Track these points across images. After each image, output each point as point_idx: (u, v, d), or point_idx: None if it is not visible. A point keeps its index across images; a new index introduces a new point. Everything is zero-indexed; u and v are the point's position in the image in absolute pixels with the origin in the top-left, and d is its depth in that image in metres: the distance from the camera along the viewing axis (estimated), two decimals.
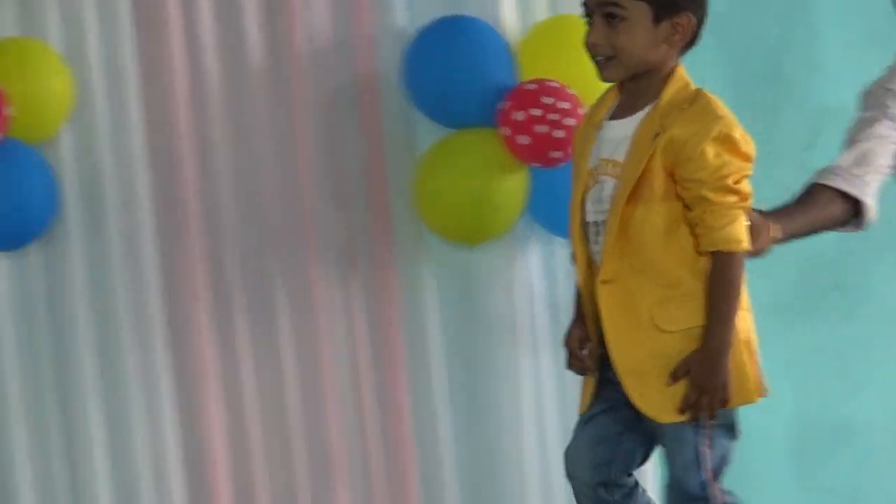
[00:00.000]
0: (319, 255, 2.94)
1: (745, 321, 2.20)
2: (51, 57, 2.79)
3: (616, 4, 2.14)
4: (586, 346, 2.27)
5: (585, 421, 2.28)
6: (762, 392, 2.22)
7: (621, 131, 2.20)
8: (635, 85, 2.21)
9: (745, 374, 2.18)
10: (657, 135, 2.13)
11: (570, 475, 2.31)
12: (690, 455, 2.18)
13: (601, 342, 2.23)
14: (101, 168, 2.86)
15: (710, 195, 2.11)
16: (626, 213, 2.15)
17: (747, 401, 2.20)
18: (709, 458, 2.18)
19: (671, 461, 2.23)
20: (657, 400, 2.16)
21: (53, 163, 2.80)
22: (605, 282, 2.18)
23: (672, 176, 2.14)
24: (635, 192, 2.14)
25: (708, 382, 2.12)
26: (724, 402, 2.14)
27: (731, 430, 2.21)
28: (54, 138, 2.81)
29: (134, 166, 2.88)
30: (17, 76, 2.72)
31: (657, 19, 2.16)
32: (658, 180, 2.14)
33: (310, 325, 2.95)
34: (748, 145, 2.15)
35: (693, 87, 2.21)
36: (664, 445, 2.25)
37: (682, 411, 2.14)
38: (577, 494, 2.31)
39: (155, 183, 2.90)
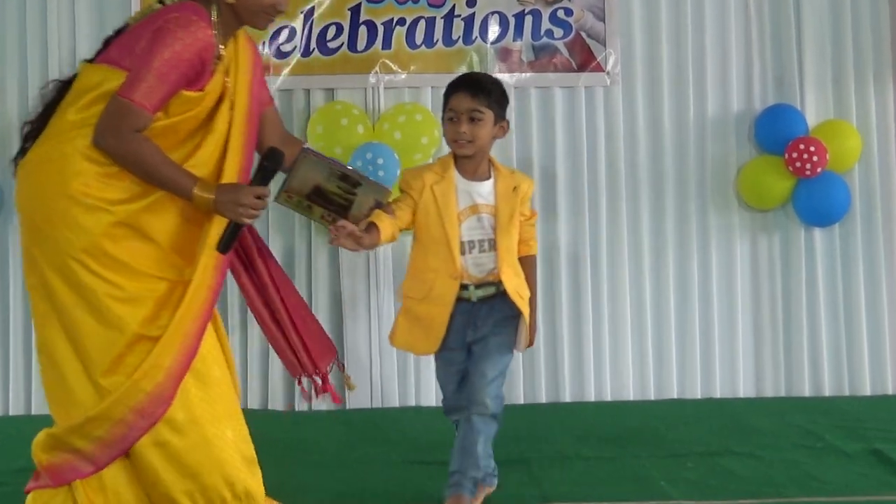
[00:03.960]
0: None
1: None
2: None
3: (478, 111, 3.44)
4: None
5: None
6: None
7: (485, 188, 3.51)
8: (475, 161, 3.50)
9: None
10: (515, 188, 3.51)
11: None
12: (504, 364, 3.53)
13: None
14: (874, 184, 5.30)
15: (533, 222, 3.61)
16: (508, 233, 3.49)
17: None
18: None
19: (487, 369, 3.49)
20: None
21: (851, 185, 5.24)
22: (502, 270, 3.46)
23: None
24: (510, 221, 3.50)
25: (534, 326, 3.56)
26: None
27: None
28: (850, 171, 5.25)
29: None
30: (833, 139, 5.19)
31: (495, 122, 3.50)
32: (518, 214, 3.51)
33: None
34: None
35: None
36: (487, 360, 3.49)
37: (526, 345, 3.56)
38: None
39: None
